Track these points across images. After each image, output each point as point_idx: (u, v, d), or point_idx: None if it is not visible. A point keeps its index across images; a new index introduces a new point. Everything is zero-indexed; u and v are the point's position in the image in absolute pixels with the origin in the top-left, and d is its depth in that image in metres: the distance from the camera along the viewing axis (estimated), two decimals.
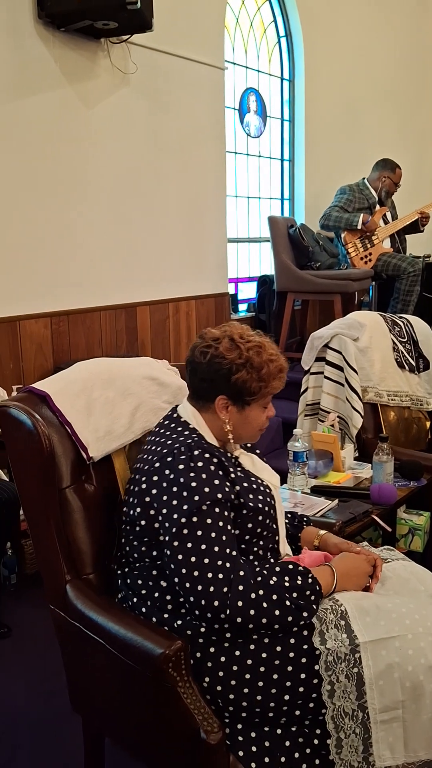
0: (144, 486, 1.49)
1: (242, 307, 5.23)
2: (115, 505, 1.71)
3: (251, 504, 1.51)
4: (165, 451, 1.50)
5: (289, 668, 1.39)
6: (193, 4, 4.22)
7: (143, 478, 1.50)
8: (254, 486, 1.56)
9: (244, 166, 5.20)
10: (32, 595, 2.80)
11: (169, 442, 1.53)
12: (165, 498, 1.44)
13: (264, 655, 1.39)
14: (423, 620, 1.42)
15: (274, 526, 1.59)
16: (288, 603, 1.38)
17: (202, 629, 1.40)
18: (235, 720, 1.39)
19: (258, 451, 1.74)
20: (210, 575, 1.36)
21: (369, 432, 2.92)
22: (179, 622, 1.43)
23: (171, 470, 1.46)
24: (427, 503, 2.56)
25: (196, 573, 1.37)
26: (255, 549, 1.53)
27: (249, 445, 1.73)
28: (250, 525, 1.51)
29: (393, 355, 3.12)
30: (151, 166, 4.03)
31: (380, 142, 5.98)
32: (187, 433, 1.54)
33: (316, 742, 1.40)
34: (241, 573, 1.38)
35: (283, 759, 1.37)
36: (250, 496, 1.52)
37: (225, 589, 1.35)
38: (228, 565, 1.38)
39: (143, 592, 1.50)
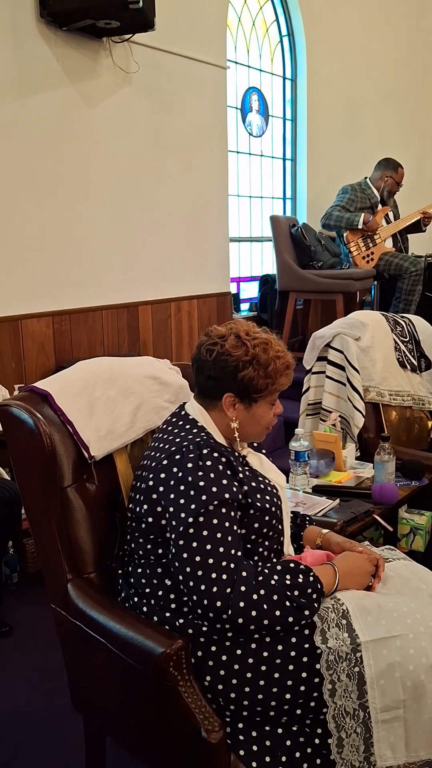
0: (151, 483, 1.49)
1: (244, 306, 5.23)
2: (117, 505, 1.71)
3: (258, 504, 1.51)
4: (173, 448, 1.50)
5: (291, 667, 1.38)
6: (195, 3, 4.22)
7: (150, 475, 1.50)
8: (261, 486, 1.56)
9: (246, 166, 5.20)
10: (34, 594, 2.81)
11: (177, 440, 1.52)
12: (172, 496, 1.44)
13: (265, 653, 1.39)
14: (424, 619, 1.42)
15: (280, 526, 1.59)
16: (289, 603, 1.38)
17: (204, 628, 1.40)
18: (236, 719, 1.39)
19: (264, 451, 1.74)
20: (214, 575, 1.36)
21: (370, 431, 2.92)
22: (181, 620, 1.43)
23: (179, 468, 1.46)
24: (429, 503, 2.56)
25: (200, 572, 1.37)
26: (260, 549, 1.53)
27: (255, 444, 1.73)
28: (256, 525, 1.51)
29: (395, 354, 3.12)
30: (153, 166, 4.03)
31: (382, 141, 5.98)
32: (195, 431, 1.54)
33: (317, 741, 1.39)
34: (244, 573, 1.38)
35: (284, 758, 1.37)
36: (258, 496, 1.52)
37: (228, 590, 1.36)
38: (232, 565, 1.38)
39: (147, 590, 1.50)
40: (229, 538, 1.41)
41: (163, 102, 4.05)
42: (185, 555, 1.39)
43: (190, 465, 1.45)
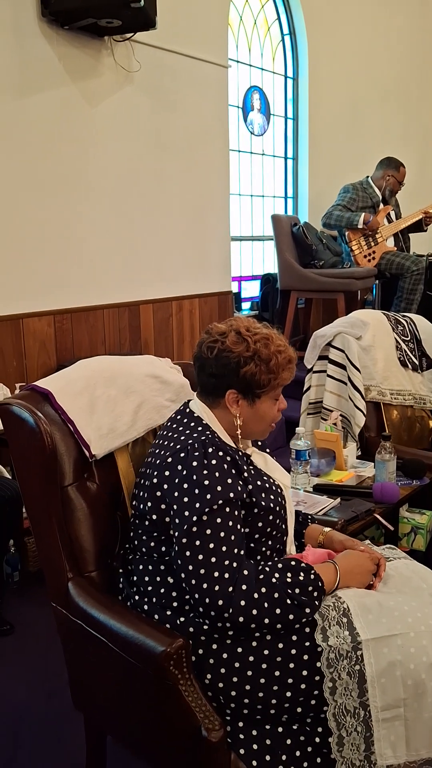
0: (155, 480, 1.49)
1: (245, 305, 5.22)
2: (118, 503, 1.71)
3: (263, 503, 1.51)
4: (178, 446, 1.50)
5: (291, 665, 1.39)
6: (197, 1, 4.22)
7: (155, 473, 1.50)
8: (266, 485, 1.56)
9: (248, 165, 5.19)
10: (35, 593, 2.81)
11: (182, 438, 1.52)
12: (176, 494, 1.44)
13: (266, 651, 1.39)
14: (425, 618, 1.42)
15: (284, 526, 1.59)
16: (290, 601, 1.38)
17: (205, 627, 1.40)
18: (236, 717, 1.39)
19: (268, 450, 1.74)
20: (216, 574, 1.36)
21: (372, 430, 2.92)
22: (182, 619, 1.43)
23: (184, 466, 1.46)
24: (430, 502, 2.56)
25: (202, 571, 1.37)
26: (263, 548, 1.53)
27: (260, 443, 1.73)
28: (260, 524, 1.51)
29: (396, 353, 3.12)
30: (155, 164, 4.03)
31: (384, 140, 5.97)
32: (200, 429, 1.54)
33: (317, 740, 1.39)
34: (245, 572, 1.38)
35: (284, 757, 1.37)
36: (262, 495, 1.52)
37: (230, 589, 1.36)
38: (235, 564, 1.38)
39: (149, 588, 1.50)
40: (233, 537, 1.41)
41: (165, 101, 4.05)
42: (188, 553, 1.39)
43: (195, 463, 1.45)
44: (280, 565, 1.44)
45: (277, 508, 1.54)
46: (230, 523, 1.42)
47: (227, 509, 1.42)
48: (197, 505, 1.41)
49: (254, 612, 1.35)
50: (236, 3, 4.85)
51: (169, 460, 1.48)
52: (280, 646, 1.39)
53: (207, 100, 4.37)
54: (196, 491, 1.42)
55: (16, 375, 3.34)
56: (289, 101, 5.47)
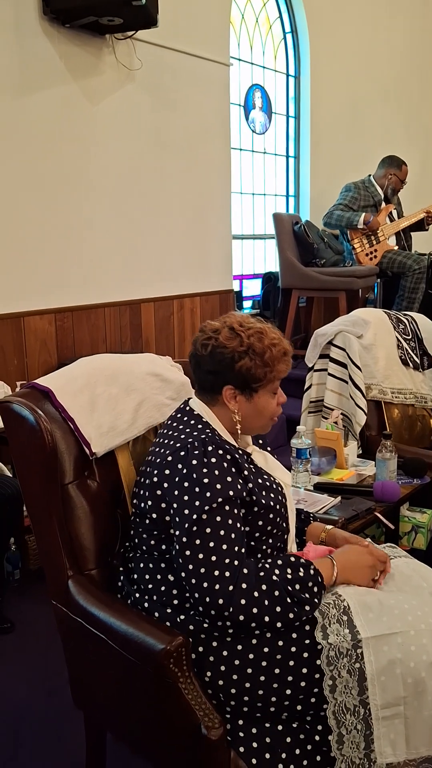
0: (156, 479, 1.49)
1: (247, 304, 5.23)
2: (118, 501, 1.71)
3: (263, 501, 1.50)
4: (178, 445, 1.50)
5: (291, 663, 1.38)
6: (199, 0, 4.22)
7: (155, 471, 1.50)
8: (267, 484, 1.55)
9: (249, 163, 5.19)
10: (35, 591, 2.81)
11: (182, 436, 1.52)
12: (176, 493, 1.44)
13: (266, 649, 1.39)
14: (425, 617, 1.42)
15: (285, 524, 1.59)
16: (290, 600, 1.38)
17: (205, 625, 1.40)
18: (236, 715, 1.39)
19: (269, 449, 1.74)
20: (216, 573, 1.36)
21: (372, 429, 2.92)
22: (182, 617, 1.43)
23: (184, 465, 1.46)
24: (431, 501, 2.55)
25: (202, 570, 1.37)
26: (264, 547, 1.53)
27: (261, 442, 1.73)
28: (260, 522, 1.51)
29: (397, 352, 3.12)
30: (156, 163, 4.03)
31: (386, 138, 5.97)
32: (200, 427, 1.54)
33: (317, 738, 1.39)
34: (245, 571, 1.38)
35: (284, 755, 1.37)
36: (263, 493, 1.52)
37: (230, 588, 1.35)
38: (236, 563, 1.38)
39: (149, 586, 1.50)
40: (233, 536, 1.41)
41: (166, 99, 4.05)
42: (188, 552, 1.39)
43: (195, 462, 1.45)
44: (279, 562, 1.44)
45: (278, 507, 1.54)
46: (230, 522, 1.42)
47: (227, 507, 1.42)
48: (197, 503, 1.41)
49: (254, 610, 1.35)
50: (238, 1, 4.85)
51: (170, 458, 1.48)
52: (280, 643, 1.39)
53: (208, 98, 4.37)
54: (196, 489, 1.42)
55: (17, 373, 3.34)
56: (290, 99, 5.47)
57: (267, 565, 1.42)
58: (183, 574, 1.40)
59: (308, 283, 4.69)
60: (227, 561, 1.37)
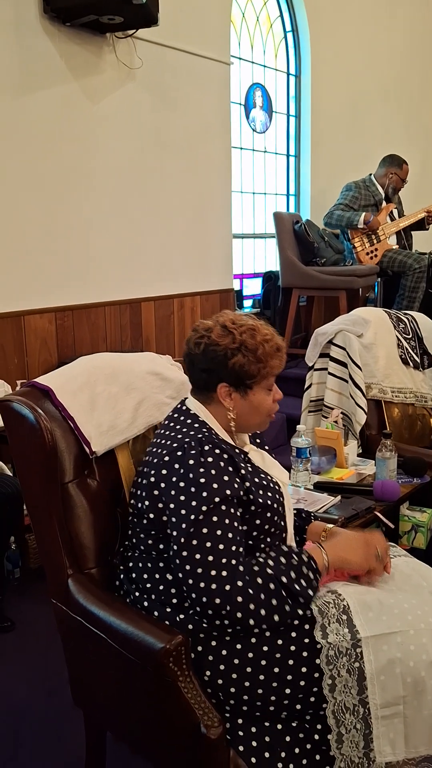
0: (153, 479, 1.49)
1: (247, 303, 5.22)
2: (118, 500, 1.71)
3: (260, 500, 1.51)
4: (175, 445, 1.50)
5: (290, 662, 1.39)
6: None
7: (152, 471, 1.50)
8: (264, 482, 1.56)
9: (250, 162, 5.19)
10: (36, 590, 2.81)
11: (179, 436, 1.52)
12: (173, 493, 1.44)
13: (265, 648, 1.39)
14: (425, 616, 1.42)
15: (282, 523, 1.59)
16: (285, 592, 1.38)
17: (204, 624, 1.40)
18: (235, 714, 1.39)
19: (267, 448, 1.74)
20: (213, 572, 1.36)
21: (373, 428, 2.92)
22: (181, 616, 1.43)
23: (180, 465, 1.46)
24: (431, 500, 2.55)
25: (199, 570, 1.37)
26: (262, 546, 1.53)
27: (258, 441, 1.73)
28: (258, 521, 1.51)
29: (397, 351, 3.12)
30: (156, 162, 4.03)
31: (386, 137, 5.96)
32: (197, 426, 1.54)
33: (316, 737, 1.39)
34: (241, 568, 1.38)
35: (283, 754, 1.37)
36: (260, 492, 1.52)
37: (227, 587, 1.35)
38: (233, 562, 1.38)
39: (148, 585, 1.50)
40: (230, 535, 1.41)
41: (167, 98, 4.04)
42: (185, 553, 1.39)
43: (191, 462, 1.45)
44: (273, 554, 1.45)
45: (275, 505, 1.54)
46: (227, 521, 1.42)
47: (224, 507, 1.42)
48: (194, 503, 1.41)
49: (251, 606, 1.35)
50: (238, 0, 4.85)
51: (166, 458, 1.49)
52: (280, 642, 1.39)
53: (209, 97, 4.37)
54: (192, 490, 1.42)
55: (18, 372, 3.34)
56: (291, 98, 5.46)
57: (261, 559, 1.43)
58: (180, 575, 1.40)
59: (309, 282, 4.68)
60: (224, 561, 1.37)
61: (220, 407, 1.57)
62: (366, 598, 1.46)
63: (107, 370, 1.76)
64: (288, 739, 1.38)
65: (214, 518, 1.40)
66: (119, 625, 1.43)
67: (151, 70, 3.89)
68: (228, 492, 1.43)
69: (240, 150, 5.03)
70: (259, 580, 1.38)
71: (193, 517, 1.40)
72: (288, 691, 1.38)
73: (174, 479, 1.45)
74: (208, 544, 1.38)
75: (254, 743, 1.37)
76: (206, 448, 1.47)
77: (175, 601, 1.46)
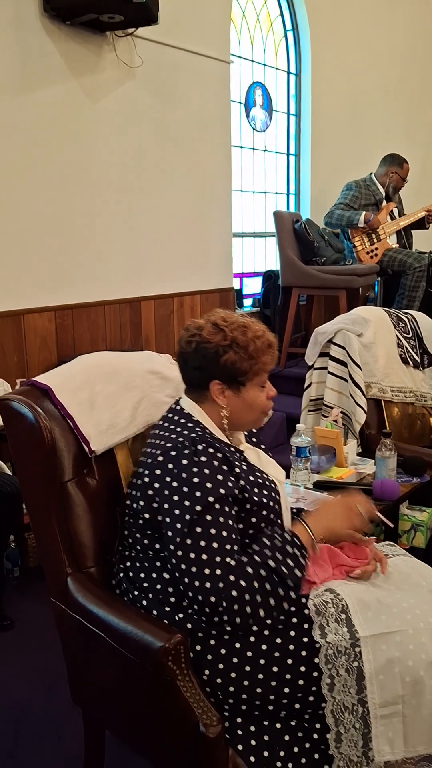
0: (147, 480, 1.49)
1: (247, 302, 5.22)
2: (118, 499, 1.71)
3: (255, 498, 1.51)
4: (169, 445, 1.50)
5: (289, 661, 1.39)
6: None
7: (147, 472, 1.50)
8: (259, 481, 1.56)
9: (250, 161, 5.18)
10: (35, 588, 2.81)
11: (173, 435, 1.52)
12: (167, 493, 1.44)
13: (264, 647, 1.39)
14: (424, 616, 1.42)
15: (279, 521, 1.59)
16: (277, 577, 1.38)
17: (203, 623, 1.40)
18: (234, 713, 1.39)
19: (263, 447, 1.74)
20: (207, 571, 1.36)
21: (372, 428, 2.92)
22: (180, 615, 1.43)
23: (174, 465, 1.46)
24: (430, 499, 2.55)
25: (194, 569, 1.37)
26: None
27: (255, 440, 1.73)
28: (254, 519, 1.51)
29: (397, 350, 3.11)
30: (156, 160, 4.03)
31: (387, 136, 5.96)
32: (191, 425, 1.54)
33: (315, 736, 1.39)
34: (233, 564, 1.38)
35: (282, 753, 1.37)
36: (255, 490, 1.52)
37: (221, 585, 1.36)
38: (227, 560, 1.38)
39: (145, 585, 1.50)
40: (224, 534, 1.41)
41: (167, 96, 4.04)
42: (180, 552, 1.39)
43: (185, 461, 1.45)
44: (258, 541, 1.45)
45: (271, 503, 1.54)
46: (221, 520, 1.42)
47: (218, 506, 1.42)
48: (187, 503, 1.41)
49: (246, 597, 1.36)
50: None
51: (160, 458, 1.49)
52: (278, 641, 1.39)
53: (209, 96, 4.36)
54: (186, 489, 1.42)
55: (17, 371, 3.34)
56: (291, 97, 5.46)
57: (250, 550, 1.44)
58: (177, 574, 1.40)
59: (308, 282, 4.68)
60: (218, 559, 1.38)
61: (214, 405, 1.58)
62: (365, 597, 1.46)
63: (106, 368, 1.76)
64: (287, 738, 1.39)
65: (208, 517, 1.41)
66: (118, 624, 1.43)
67: (151, 68, 3.88)
68: (222, 491, 1.43)
69: (240, 149, 5.03)
70: (250, 569, 1.38)
71: (187, 517, 1.40)
72: (287, 690, 1.38)
73: (168, 479, 1.45)
74: (203, 543, 1.38)
75: (253, 742, 1.37)
76: (200, 447, 1.47)
77: (173, 600, 1.46)
